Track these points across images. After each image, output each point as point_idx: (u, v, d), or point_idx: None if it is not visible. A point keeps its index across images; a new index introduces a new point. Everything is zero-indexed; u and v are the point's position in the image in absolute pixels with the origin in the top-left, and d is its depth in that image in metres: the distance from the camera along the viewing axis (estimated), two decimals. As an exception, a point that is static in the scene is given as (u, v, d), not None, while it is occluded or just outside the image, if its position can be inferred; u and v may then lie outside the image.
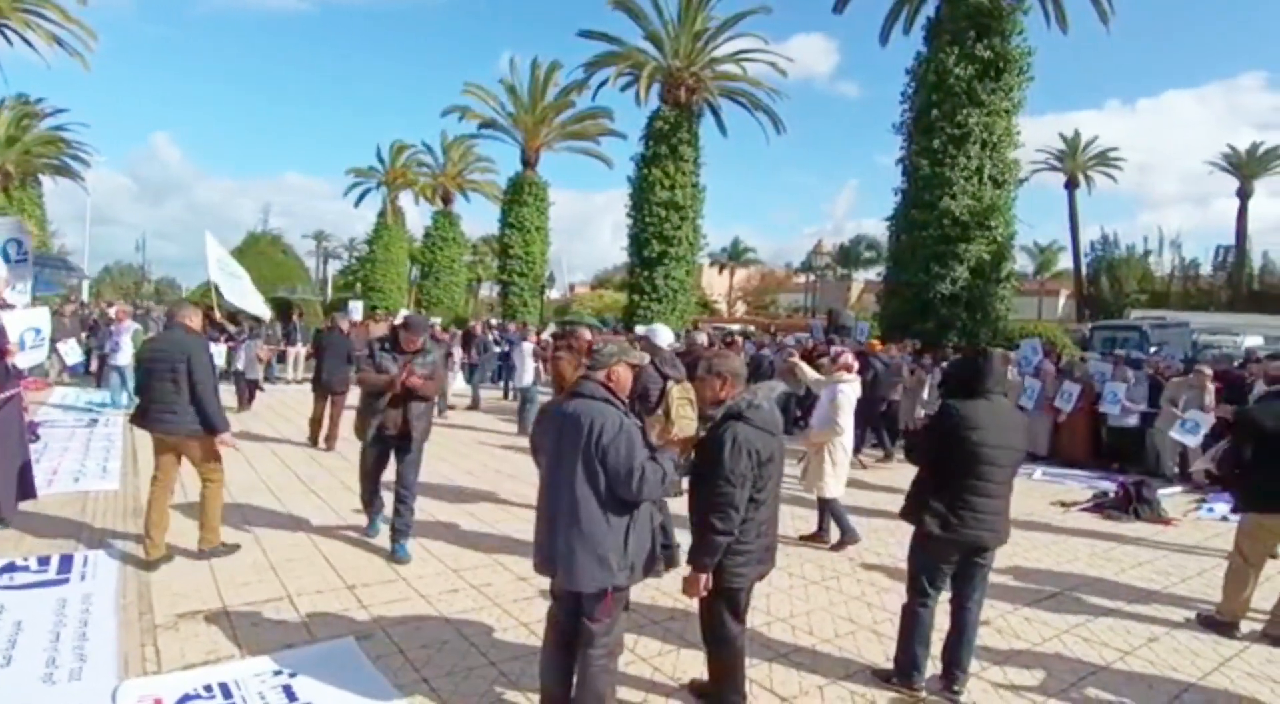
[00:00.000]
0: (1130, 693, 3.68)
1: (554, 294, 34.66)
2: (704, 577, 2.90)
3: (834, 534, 5.96)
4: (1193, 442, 8.53)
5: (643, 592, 4.47)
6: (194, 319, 5.14)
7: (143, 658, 3.55)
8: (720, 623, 3.03)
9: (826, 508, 5.98)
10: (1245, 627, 4.60)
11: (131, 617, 4.00)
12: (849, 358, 6.31)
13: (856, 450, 9.53)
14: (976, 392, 3.48)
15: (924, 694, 3.50)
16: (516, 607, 4.33)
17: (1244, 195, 40.66)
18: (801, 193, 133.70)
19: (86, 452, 8.27)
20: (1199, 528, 7.21)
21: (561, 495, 2.80)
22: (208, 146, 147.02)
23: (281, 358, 17.26)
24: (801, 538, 6.04)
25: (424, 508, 6.45)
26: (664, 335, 6.43)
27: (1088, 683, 3.77)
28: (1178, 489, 8.80)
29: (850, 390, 6.00)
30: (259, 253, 26.25)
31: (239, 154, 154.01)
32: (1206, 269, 45.28)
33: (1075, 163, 42.71)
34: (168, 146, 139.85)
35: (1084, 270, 44.35)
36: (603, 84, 25.33)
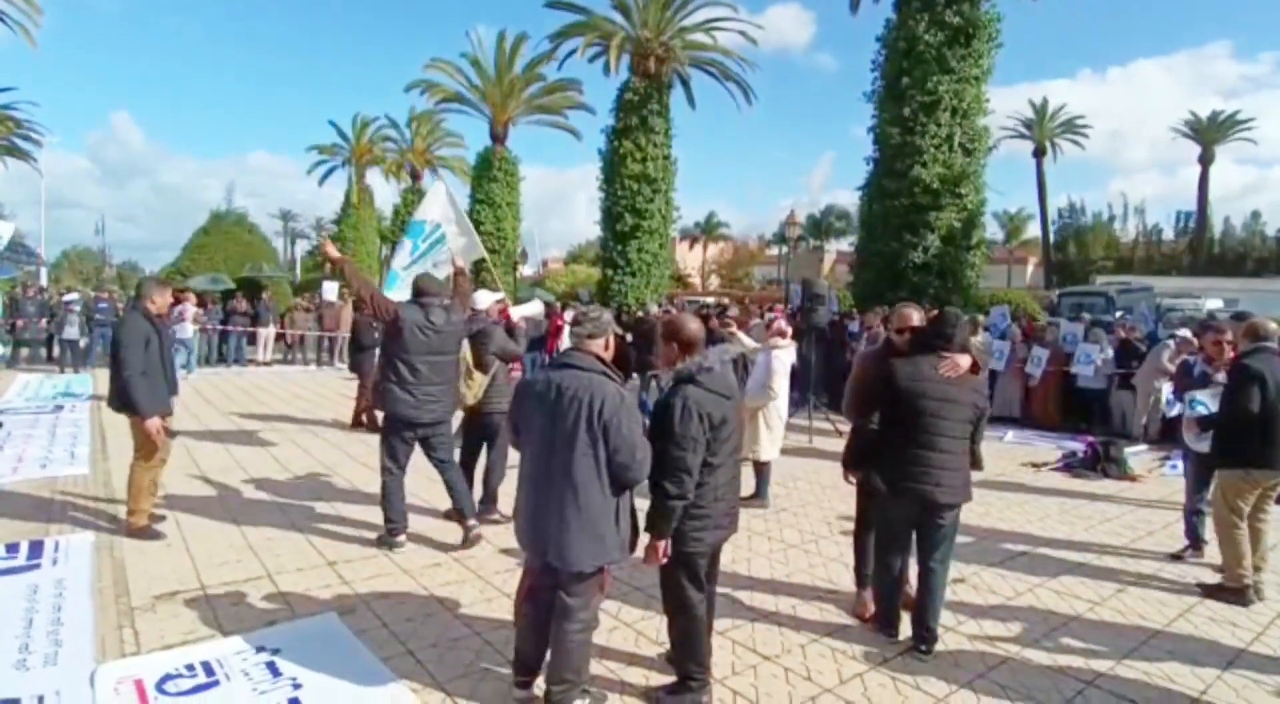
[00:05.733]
0: (1100, 640, 3.80)
1: (527, 271, 34.34)
2: (663, 544, 2.86)
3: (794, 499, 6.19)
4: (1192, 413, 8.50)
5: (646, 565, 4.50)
6: (155, 299, 5.00)
7: (120, 640, 3.50)
8: (680, 590, 2.97)
9: (763, 470, 6.17)
10: (1198, 571, 4.77)
11: (107, 600, 3.94)
12: (783, 324, 6.37)
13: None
14: (925, 348, 3.55)
15: (901, 644, 3.62)
16: (499, 578, 4.34)
17: (1205, 162, 41.43)
18: (777, 166, 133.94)
19: (53, 437, 8.09)
20: (1164, 484, 7.42)
21: (555, 473, 2.70)
22: (171, 127, 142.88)
23: (252, 340, 17.00)
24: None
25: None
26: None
27: (1060, 633, 3.88)
28: (1143, 448, 9.04)
29: (785, 356, 6.03)
30: (224, 232, 25.48)
31: (204, 134, 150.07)
32: (1169, 235, 46.33)
33: (1043, 131, 43.11)
34: (129, 127, 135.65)
35: (1052, 238, 45.06)
36: (570, 55, 24.89)
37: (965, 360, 3.57)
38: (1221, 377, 4.78)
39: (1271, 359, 4.37)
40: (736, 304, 24.33)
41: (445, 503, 5.93)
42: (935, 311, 3.87)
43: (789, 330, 6.36)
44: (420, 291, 5.00)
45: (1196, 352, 8.10)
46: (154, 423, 4.79)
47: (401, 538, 4.88)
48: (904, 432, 3.47)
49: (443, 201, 7.71)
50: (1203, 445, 4.74)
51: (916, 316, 3.92)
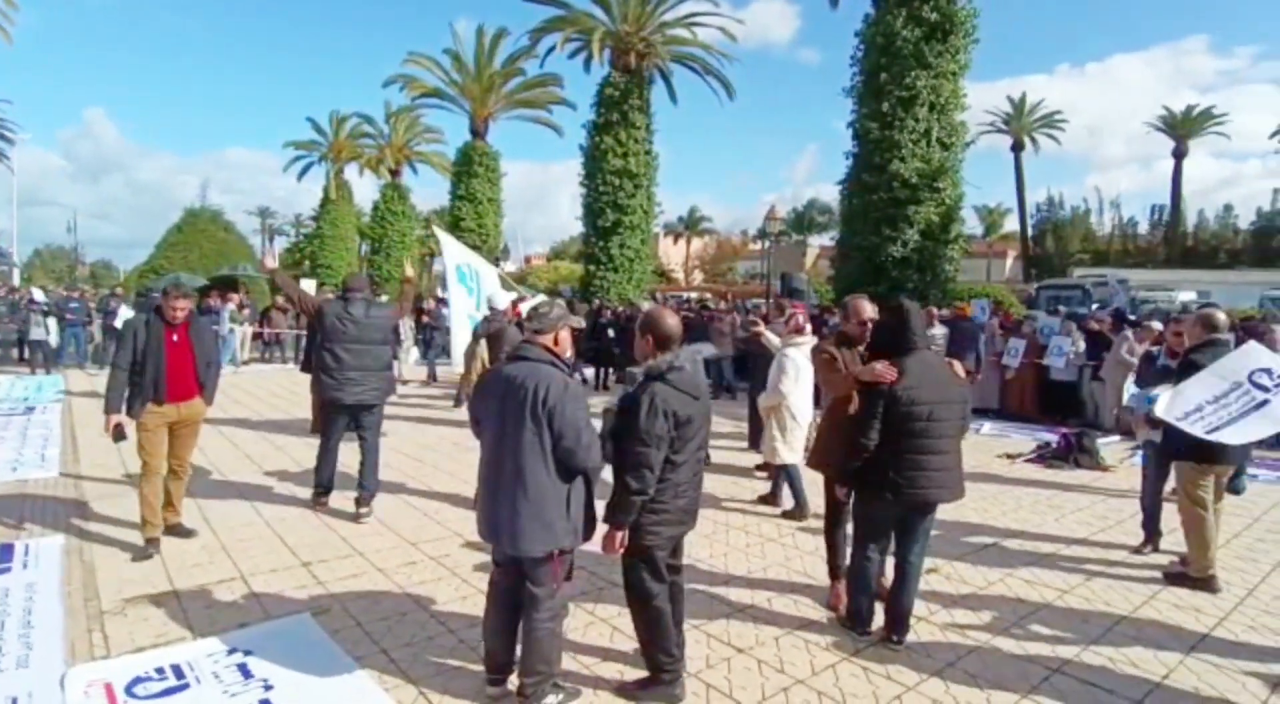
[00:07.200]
0: (1068, 628, 3.86)
1: (509, 267, 34.22)
2: (620, 534, 2.90)
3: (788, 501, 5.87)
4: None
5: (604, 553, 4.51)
6: (161, 303, 4.77)
7: (90, 643, 3.47)
8: (640, 583, 3.02)
9: (779, 474, 5.94)
10: (1165, 559, 4.87)
11: (77, 603, 3.90)
12: (799, 320, 6.05)
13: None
14: (902, 348, 3.48)
15: (874, 637, 3.66)
16: (476, 576, 4.33)
17: (1179, 156, 42.06)
18: (762, 161, 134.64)
19: (24, 440, 7.96)
20: (1134, 474, 7.49)
21: (505, 460, 2.78)
22: (146, 122, 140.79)
23: (227, 339, 16.80)
24: (760, 498, 6.17)
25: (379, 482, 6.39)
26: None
27: (1029, 621, 3.94)
28: (1115, 438, 9.18)
29: (796, 354, 5.68)
30: (199, 230, 25.06)
31: (180, 129, 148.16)
32: (1144, 228, 46.99)
33: (1021, 125, 43.57)
34: (103, 123, 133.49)
35: (1030, 231, 45.58)
36: (550, 50, 24.86)
37: (959, 366, 3.68)
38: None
39: (1221, 352, 4.41)
40: (720, 297, 24.38)
41: (419, 497, 5.94)
42: (892, 305, 3.79)
43: (806, 326, 6.02)
44: (346, 287, 5.74)
45: (1156, 343, 8.21)
46: (108, 420, 4.67)
47: (325, 500, 5.64)
48: (902, 438, 3.40)
49: (454, 248, 7.92)
50: (1155, 435, 4.81)
51: (869, 308, 3.94)
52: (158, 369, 4.67)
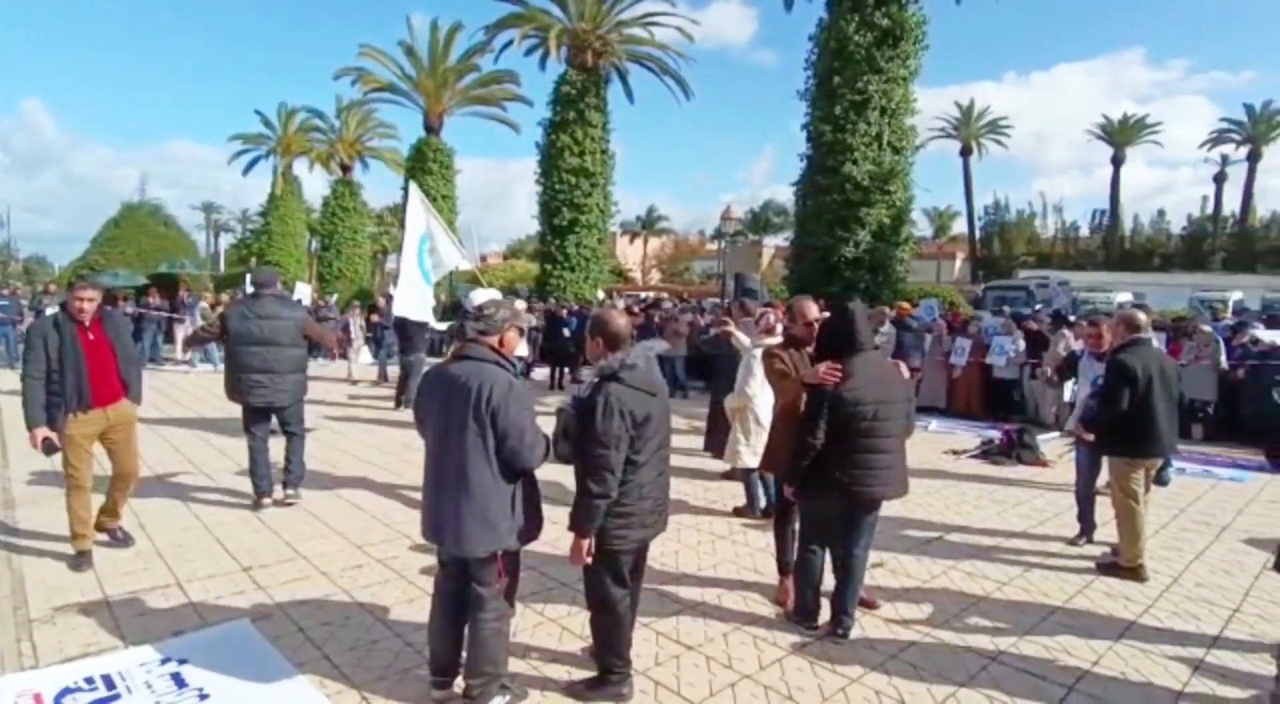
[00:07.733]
0: (1005, 618, 3.99)
1: (464, 266, 33.75)
2: (586, 543, 2.84)
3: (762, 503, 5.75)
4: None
5: (554, 552, 4.49)
6: (68, 298, 4.44)
7: (19, 653, 3.34)
8: (602, 587, 2.97)
9: (748, 479, 5.82)
10: (1099, 551, 5.06)
11: (5, 611, 3.75)
12: (771, 320, 5.88)
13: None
14: (848, 349, 3.54)
15: (821, 631, 3.72)
16: (423, 578, 4.26)
17: (1117, 162, 43.72)
18: (721, 160, 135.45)
19: (-55, 444, 7.58)
20: (1072, 468, 7.75)
21: (449, 460, 2.75)
22: (85, 114, 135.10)
23: (169, 337, 16.27)
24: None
25: (324, 483, 6.26)
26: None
27: (969, 612, 4.06)
28: (1055, 435, 9.50)
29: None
30: (137, 225, 24.08)
31: (120, 121, 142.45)
32: (1085, 231, 48.73)
33: (969, 131, 44.77)
34: (39, 114, 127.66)
35: (977, 234, 46.86)
36: (506, 46, 24.64)
37: (904, 366, 3.78)
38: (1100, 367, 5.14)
39: (1145, 350, 4.66)
40: (675, 297, 24.47)
41: (366, 499, 5.83)
42: (834, 307, 3.86)
43: (777, 327, 5.75)
44: (254, 282, 5.74)
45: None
46: (34, 435, 4.28)
47: (266, 501, 5.51)
48: (848, 437, 3.44)
49: (420, 212, 7.62)
50: (1090, 435, 5.03)
51: (814, 310, 3.99)
52: (79, 373, 4.26)
